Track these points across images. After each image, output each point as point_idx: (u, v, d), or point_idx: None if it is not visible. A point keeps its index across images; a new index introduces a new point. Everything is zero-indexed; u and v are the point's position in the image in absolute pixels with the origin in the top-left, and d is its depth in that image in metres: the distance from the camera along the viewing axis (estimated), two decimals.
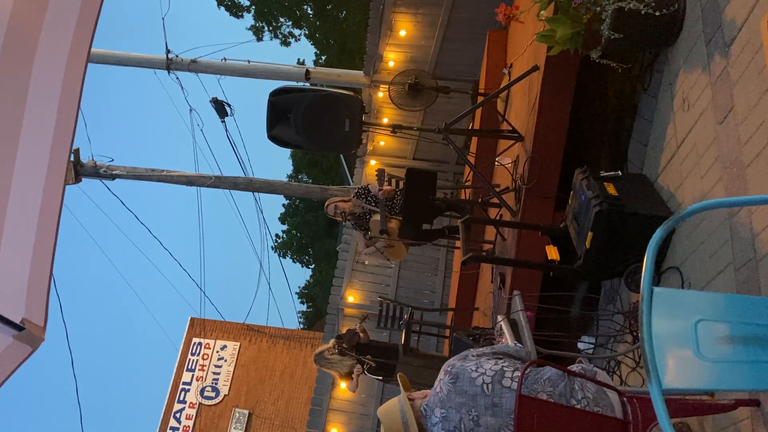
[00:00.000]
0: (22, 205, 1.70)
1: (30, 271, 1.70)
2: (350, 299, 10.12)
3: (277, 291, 12.86)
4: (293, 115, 5.76)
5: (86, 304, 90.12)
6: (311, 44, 23.39)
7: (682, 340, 1.49)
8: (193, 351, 16.60)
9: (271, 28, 22.48)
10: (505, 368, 2.17)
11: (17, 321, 1.63)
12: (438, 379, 2.26)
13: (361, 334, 5.82)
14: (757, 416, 2.35)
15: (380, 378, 5.96)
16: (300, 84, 9.58)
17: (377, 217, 5.87)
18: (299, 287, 30.09)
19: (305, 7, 21.95)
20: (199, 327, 16.81)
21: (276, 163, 31.72)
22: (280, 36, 22.65)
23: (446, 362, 2.30)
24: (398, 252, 6.30)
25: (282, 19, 22.42)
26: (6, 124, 1.68)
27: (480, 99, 7.05)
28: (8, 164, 1.67)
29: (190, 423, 15.97)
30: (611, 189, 3.47)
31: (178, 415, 16.07)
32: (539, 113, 4.65)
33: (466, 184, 8.17)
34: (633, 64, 3.95)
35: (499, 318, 3.35)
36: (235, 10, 22.42)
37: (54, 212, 1.76)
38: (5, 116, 1.67)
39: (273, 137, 6.03)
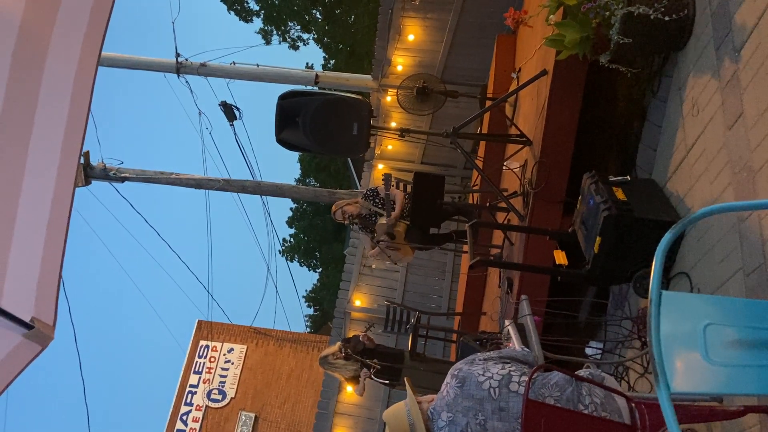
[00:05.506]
0: (33, 206, 1.71)
1: (40, 271, 1.71)
2: (357, 303, 10.12)
3: (284, 294, 12.89)
4: (302, 119, 5.77)
5: (94, 306, 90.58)
6: (320, 48, 23.48)
7: (690, 343, 1.48)
8: (200, 353, 16.65)
9: (280, 32, 22.58)
10: (512, 372, 2.16)
11: (27, 320, 1.65)
12: (445, 382, 2.26)
13: (366, 342, 5.81)
14: (766, 423, 2.33)
15: (386, 382, 5.95)
16: (309, 88, 9.61)
17: (384, 219, 5.88)
18: (306, 291, 30.16)
19: (314, 11, 22.03)
20: (207, 329, 16.86)
21: (284, 166, 31.82)
22: (289, 40, 22.75)
23: (453, 366, 2.30)
24: (404, 255, 6.30)
25: (291, 23, 22.52)
26: (17, 126, 1.69)
27: (488, 103, 7.05)
28: (19, 165, 1.69)
29: (197, 425, 16.00)
30: (620, 194, 3.46)
31: (184, 417, 16.11)
32: (548, 118, 4.64)
33: (474, 188, 8.16)
34: (642, 69, 3.94)
35: (507, 322, 3.35)
36: (245, 15, 22.53)
37: (64, 213, 1.77)
38: (17, 118, 1.68)
39: (281, 141, 6.05)
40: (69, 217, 1.79)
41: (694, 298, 2.08)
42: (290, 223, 28.57)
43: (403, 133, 6.08)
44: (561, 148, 4.62)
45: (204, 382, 16.36)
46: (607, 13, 3.48)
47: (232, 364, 16.60)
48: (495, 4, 7.96)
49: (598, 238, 3.41)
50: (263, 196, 10.55)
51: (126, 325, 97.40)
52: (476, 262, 4.28)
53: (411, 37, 9.03)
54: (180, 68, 9.78)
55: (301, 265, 28.94)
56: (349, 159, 14.94)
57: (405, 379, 2.45)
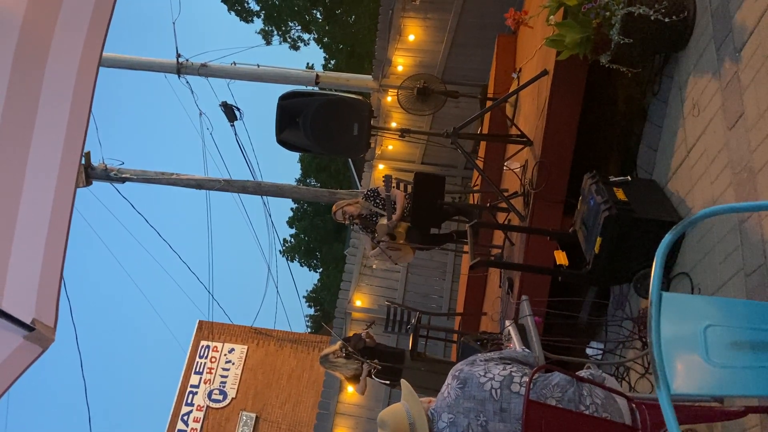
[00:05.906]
0: (34, 206, 1.71)
1: (41, 272, 1.71)
2: (358, 303, 10.12)
3: (284, 294, 12.89)
4: (302, 119, 5.77)
5: (95, 306, 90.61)
6: (320, 48, 23.47)
7: (691, 345, 1.48)
8: (201, 354, 16.65)
9: (280, 33, 22.58)
10: (513, 373, 2.16)
11: (28, 321, 1.64)
12: (446, 383, 2.25)
13: (367, 340, 5.80)
14: (767, 423, 2.33)
15: (387, 383, 5.94)
16: (309, 88, 9.61)
17: (384, 220, 5.88)
18: (307, 291, 30.14)
19: (314, 11, 22.03)
20: (207, 330, 16.86)
21: (284, 167, 31.79)
22: (290, 40, 22.75)
23: (454, 367, 2.29)
24: (405, 255, 6.30)
25: (291, 24, 22.52)
26: (18, 127, 1.69)
27: (489, 103, 7.05)
28: (20, 166, 1.69)
29: (198, 426, 15.99)
30: (620, 194, 3.46)
31: (185, 417, 16.11)
32: (548, 118, 4.64)
33: (475, 188, 8.16)
34: (643, 69, 3.93)
35: (508, 323, 3.35)
36: (245, 15, 22.53)
37: (65, 214, 1.77)
38: (18, 118, 1.68)
39: (282, 141, 6.05)
40: (70, 218, 1.79)
41: (695, 299, 2.08)
42: (291, 223, 28.55)
43: (403, 133, 6.08)
44: (561, 149, 4.62)
45: (205, 383, 16.35)
46: (608, 13, 3.48)
47: (233, 364, 16.59)
48: (495, 4, 7.95)
49: (598, 239, 3.41)
50: (264, 197, 10.55)
51: (127, 326, 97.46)
52: (477, 263, 4.28)
53: (411, 38, 9.03)
54: (181, 69, 9.78)
55: (301, 266, 28.93)
56: (349, 159, 14.95)
57: (402, 381, 2.44)
